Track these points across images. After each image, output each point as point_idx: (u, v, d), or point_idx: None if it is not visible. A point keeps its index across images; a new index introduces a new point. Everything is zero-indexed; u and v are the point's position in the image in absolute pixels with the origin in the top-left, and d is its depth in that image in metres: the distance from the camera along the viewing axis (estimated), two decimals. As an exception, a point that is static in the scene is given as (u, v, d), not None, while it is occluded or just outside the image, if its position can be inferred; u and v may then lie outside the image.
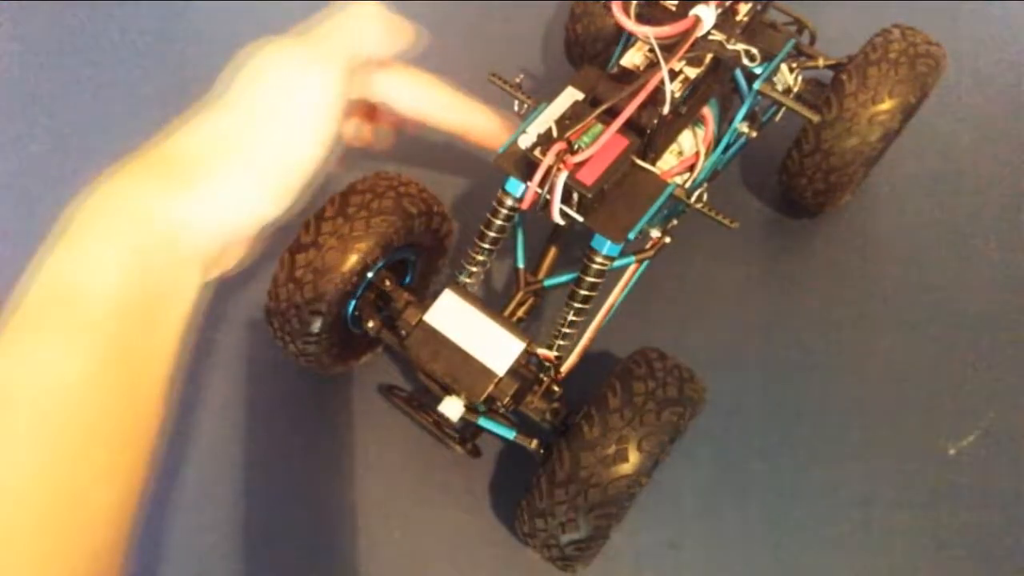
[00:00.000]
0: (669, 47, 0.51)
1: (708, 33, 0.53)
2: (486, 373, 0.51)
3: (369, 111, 0.47)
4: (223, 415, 0.70)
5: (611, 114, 0.51)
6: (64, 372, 0.25)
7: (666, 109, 0.51)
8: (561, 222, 0.52)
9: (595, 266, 0.55)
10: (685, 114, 0.57)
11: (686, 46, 0.51)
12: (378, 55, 0.41)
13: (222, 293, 0.72)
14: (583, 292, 0.56)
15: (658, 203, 0.53)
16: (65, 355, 0.25)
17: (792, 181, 0.72)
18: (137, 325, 0.27)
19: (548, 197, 0.50)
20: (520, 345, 0.52)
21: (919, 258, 0.78)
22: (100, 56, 0.92)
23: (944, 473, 0.67)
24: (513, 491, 0.60)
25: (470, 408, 0.54)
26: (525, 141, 0.51)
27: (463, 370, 0.52)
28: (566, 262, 0.64)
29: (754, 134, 0.66)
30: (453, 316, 0.54)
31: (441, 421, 0.56)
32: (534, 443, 0.57)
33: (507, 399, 0.52)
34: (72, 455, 0.24)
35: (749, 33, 0.59)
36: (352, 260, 0.56)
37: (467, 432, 0.58)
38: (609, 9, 0.52)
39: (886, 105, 0.64)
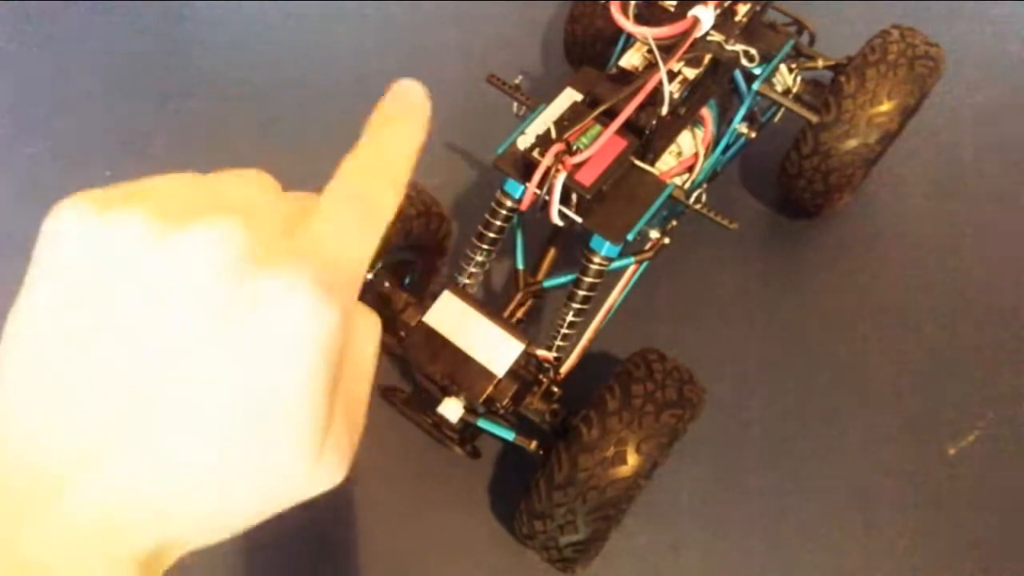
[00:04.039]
0: (668, 48, 0.51)
1: (707, 34, 0.53)
2: (485, 374, 0.51)
3: None
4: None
5: (610, 115, 0.51)
6: None
7: (665, 110, 0.51)
8: (560, 223, 0.52)
9: (594, 267, 0.55)
10: (684, 115, 0.56)
11: (685, 47, 0.51)
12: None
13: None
14: (582, 293, 0.56)
15: (657, 204, 0.53)
16: None
17: (791, 182, 0.72)
18: None
19: (547, 198, 0.50)
20: (519, 346, 0.52)
21: (919, 258, 0.78)
22: (100, 56, 0.92)
23: (944, 473, 0.67)
24: (513, 492, 0.60)
25: (469, 409, 0.54)
26: (524, 142, 0.51)
27: (462, 371, 0.52)
28: (565, 263, 0.63)
29: (753, 135, 0.66)
30: (452, 317, 0.53)
31: (441, 422, 0.56)
32: (533, 444, 0.57)
33: (506, 400, 0.52)
34: None
35: (748, 34, 0.59)
36: (351, 261, 0.56)
37: (467, 433, 0.58)
38: (608, 10, 0.52)
39: (885, 107, 0.64)
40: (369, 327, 0.21)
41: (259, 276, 0.18)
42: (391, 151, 0.22)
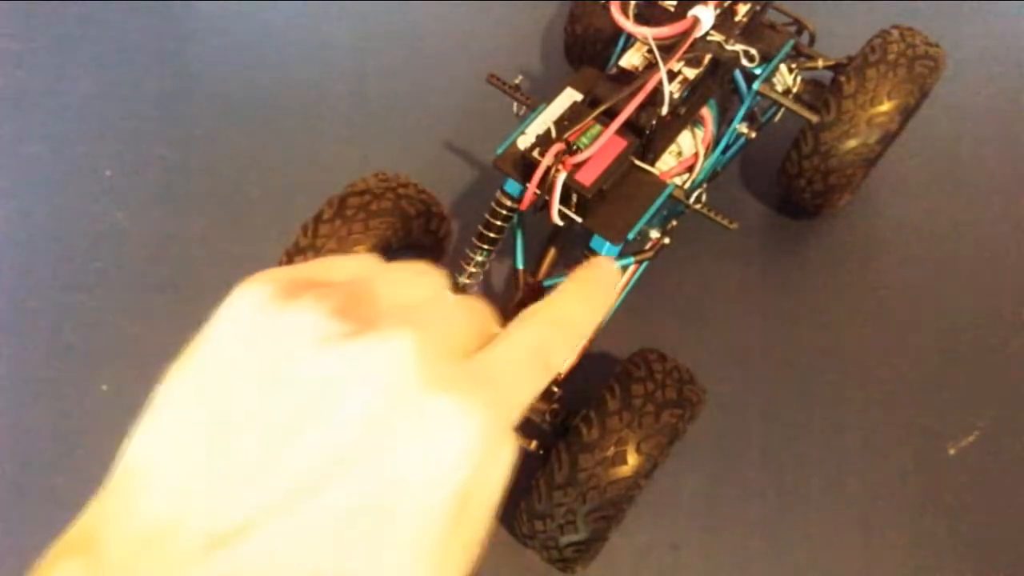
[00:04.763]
0: (668, 48, 0.51)
1: (707, 34, 0.53)
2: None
3: None
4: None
5: (610, 115, 0.51)
6: None
7: (665, 110, 0.51)
8: (560, 223, 0.52)
9: (594, 267, 0.55)
10: (684, 115, 0.56)
11: (685, 47, 0.51)
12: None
13: (220, 296, 0.71)
14: (582, 293, 0.56)
15: (657, 204, 0.53)
16: None
17: (791, 182, 0.72)
18: None
19: (547, 198, 0.50)
20: (519, 346, 0.52)
21: (919, 258, 0.78)
22: (100, 56, 0.92)
23: (944, 473, 0.67)
24: (513, 492, 0.59)
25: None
26: (524, 142, 0.51)
27: (462, 371, 0.52)
28: (565, 263, 0.63)
29: (753, 135, 0.66)
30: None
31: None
32: (533, 444, 0.57)
33: (506, 400, 0.52)
34: None
35: (748, 34, 0.59)
36: (351, 261, 0.56)
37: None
38: (608, 10, 0.52)
39: (885, 107, 0.64)
40: (505, 464, 0.20)
41: (427, 398, 0.18)
42: (580, 312, 0.23)
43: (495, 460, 0.19)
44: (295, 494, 0.17)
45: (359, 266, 0.22)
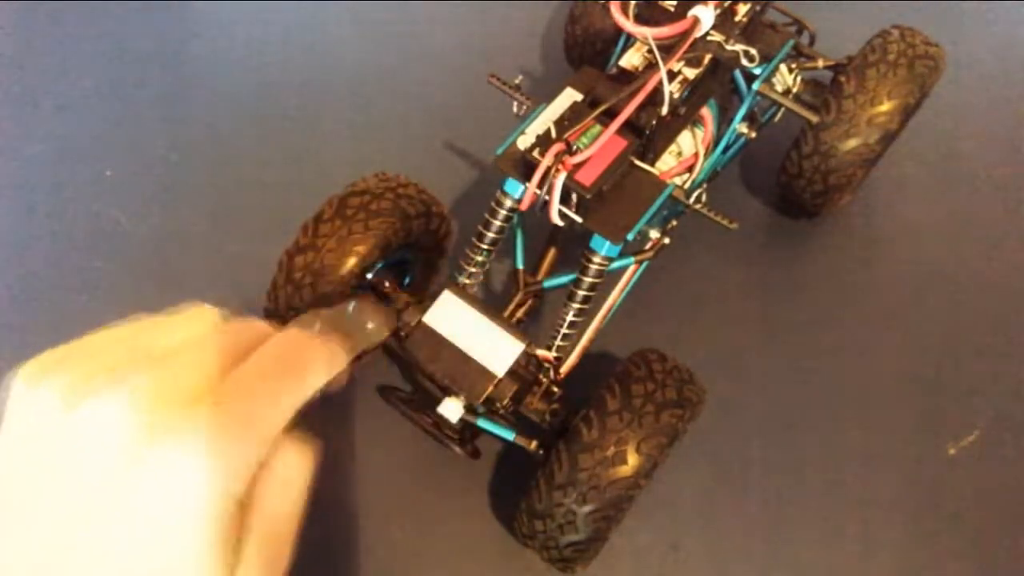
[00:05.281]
0: (668, 48, 0.51)
1: (707, 34, 0.53)
2: (485, 374, 0.51)
3: None
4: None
5: (610, 115, 0.51)
6: None
7: (665, 110, 0.51)
8: (560, 223, 0.52)
9: (594, 267, 0.55)
10: (684, 115, 0.57)
11: (685, 47, 0.51)
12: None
13: (221, 294, 0.71)
14: (582, 293, 0.56)
15: (657, 204, 0.53)
16: None
17: (791, 182, 0.72)
18: None
19: (547, 198, 0.50)
20: (519, 346, 0.52)
21: (919, 258, 0.78)
22: (100, 56, 0.92)
23: (944, 473, 0.67)
24: (512, 492, 0.59)
25: (469, 409, 0.54)
26: (524, 142, 0.51)
27: (462, 371, 0.52)
28: (566, 263, 0.64)
29: (753, 135, 0.66)
30: (452, 317, 0.53)
31: (440, 422, 0.56)
32: (533, 444, 0.57)
33: (506, 400, 0.52)
34: None
35: (748, 34, 0.59)
36: (350, 262, 0.56)
37: (466, 433, 0.58)
38: (608, 10, 0.52)
39: (885, 107, 0.64)
40: (285, 477, 0.21)
41: (152, 449, 0.19)
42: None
43: (264, 478, 0.21)
44: (69, 557, 0.18)
45: (110, 334, 0.23)
